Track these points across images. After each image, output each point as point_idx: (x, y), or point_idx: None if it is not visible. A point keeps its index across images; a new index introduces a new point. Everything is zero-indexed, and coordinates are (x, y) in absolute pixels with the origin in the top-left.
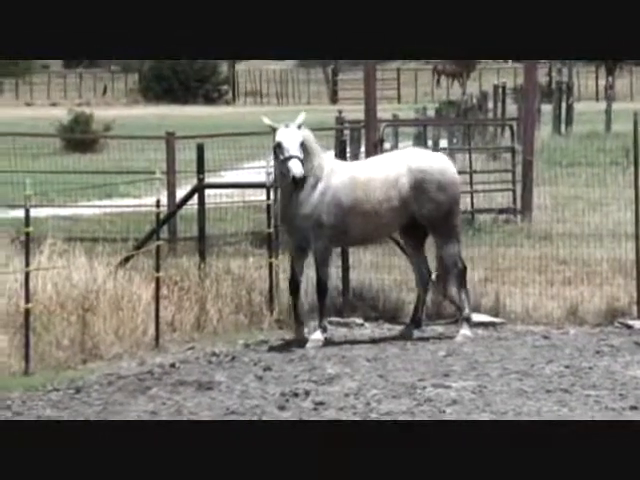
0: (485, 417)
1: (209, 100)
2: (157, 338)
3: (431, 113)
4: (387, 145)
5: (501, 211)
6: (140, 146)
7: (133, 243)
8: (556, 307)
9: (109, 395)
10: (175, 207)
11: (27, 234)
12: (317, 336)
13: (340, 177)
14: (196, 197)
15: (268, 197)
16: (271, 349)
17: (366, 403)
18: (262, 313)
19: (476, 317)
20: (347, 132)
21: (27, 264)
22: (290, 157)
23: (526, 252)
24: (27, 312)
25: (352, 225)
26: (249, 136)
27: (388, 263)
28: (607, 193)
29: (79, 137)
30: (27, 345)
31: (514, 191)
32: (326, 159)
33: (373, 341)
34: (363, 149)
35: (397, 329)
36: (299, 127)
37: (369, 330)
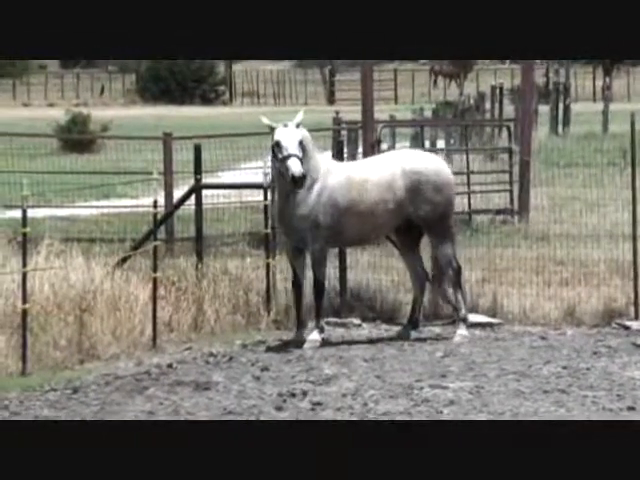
0: (482, 418)
1: (206, 101)
2: (154, 338)
3: (428, 114)
4: (384, 146)
5: (498, 212)
6: (137, 147)
7: (130, 244)
8: (553, 308)
9: (106, 395)
10: (172, 208)
11: (24, 234)
12: (314, 336)
13: (336, 177)
14: (193, 198)
15: (265, 198)
16: (268, 349)
17: (363, 404)
18: (259, 313)
19: (473, 318)
20: (344, 133)
21: (24, 264)
22: (289, 156)
23: (523, 253)
24: (24, 312)
25: (348, 226)
26: (246, 137)
27: (385, 264)
28: (604, 194)
29: (76, 137)
30: (24, 345)
31: (511, 192)
32: (322, 160)
33: (370, 342)
34: (360, 150)
35: (394, 330)
36: (298, 126)
37: (366, 331)
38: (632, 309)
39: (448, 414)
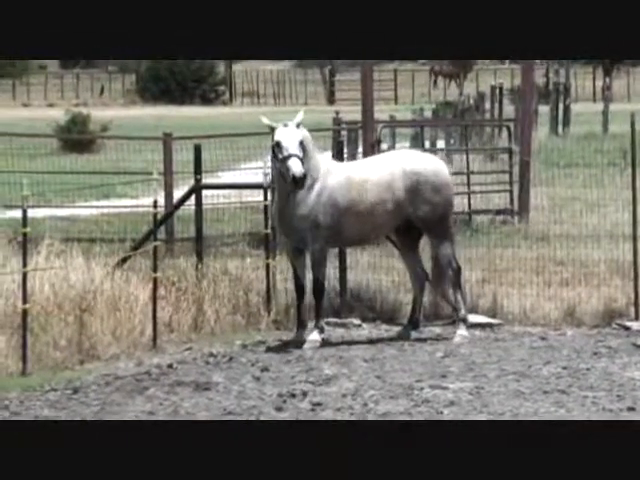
0: (482, 418)
1: (206, 101)
2: (154, 339)
3: (428, 114)
4: (384, 146)
5: (498, 212)
6: (137, 147)
7: (130, 244)
8: (553, 308)
9: (106, 395)
10: (172, 208)
11: (24, 234)
12: (314, 337)
13: (336, 177)
14: (193, 198)
15: (265, 198)
16: (268, 350)
17: (363, 404)
18: (259, 314)
19: (473, 318)
20: (344, 133)
21: (24, 264)
22: (290, 156)
23: (523, 253)
24: (24, 313)
25: (348, 225)
26: (246, 137)
27: (386, 264)
28: (604, 194)
29: (76, 138)
30: (24, 345)
31: (511, 192)
32: (322, 160)
33: (370, 342)
34: (360, 150)
35: (394, 330)
36: (298, 126)
37: (366, 331)
38: (632, 309)
39: (448, 415)
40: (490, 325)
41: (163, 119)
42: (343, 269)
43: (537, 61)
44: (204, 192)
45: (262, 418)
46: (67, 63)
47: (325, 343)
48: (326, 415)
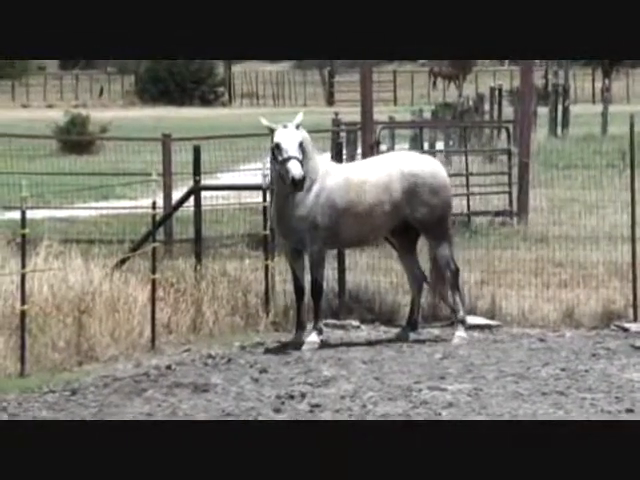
0: (481, 419)
1: (205, 102)
2: (153, 340)
3: (427, 115)
4: (383, 147)
5: (497, 213)
6: (136, 148)
7: (129, 245)
8: (552, 310)
9: (105, 397)
10: (171, 209)
11: (23, 236)
12: (313, 338)
13: (335, 179)
14: (192, 199)
15: (264, 199)
16: (267, 351)
17: (362, 405)
18: (258, 315)
19: (472, 320)
20: (343, 134)
21: (23, 266)
22: (289, 158)
23: (522, 255)
24: (23, 314)
25: (346, 227)
26: (245, 138)
27: (384, 265)
28: (603, 196)
29: (75, 139)
30: (23, 347)
31: (510, 193)
32: (321, 161)
33: (369, 343)
34: (359, 151)
35: (393, 331)
36: (297, 127)
37: (365, 332)
38: (631, 311)
39: (447, 416)
40: (489, 327)
41: (162, 120)
42: (342, 270)
43: (536, 63)
44: (203, 193)
45: (260, 419)
46: (66, 64)
47: (324, 344)
48: (325, 417)
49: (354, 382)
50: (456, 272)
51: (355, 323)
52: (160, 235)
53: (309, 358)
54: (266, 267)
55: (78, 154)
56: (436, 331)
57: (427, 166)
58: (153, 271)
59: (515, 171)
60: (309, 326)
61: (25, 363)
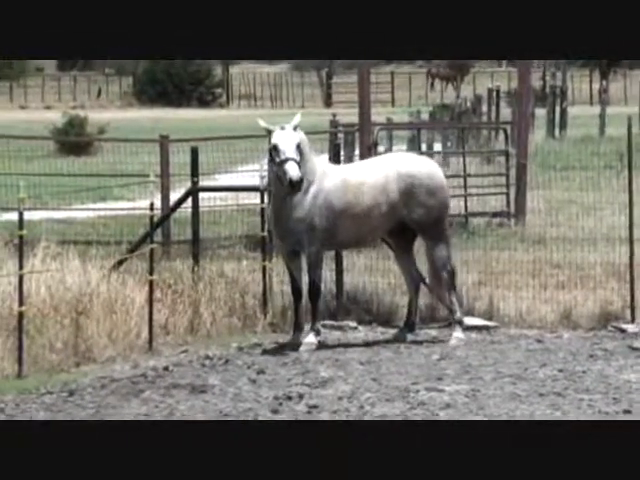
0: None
1: (203, 103)
2: (150, 341)
3: (425, 116)
4: (381, 148)
5: (495, 215)
6: (134, 149)
7: (127, 246)
8: (550, 311)
9: (102, 398)
10: (169, 210)
11: (21, 237)
12: (310, 339)
13: (332, 180)
14: (190, 200)
15: (262, 200)
16: (264, 352)
17: (360, 406)
18: (256, 316)
19: (470, 321)
20: (341, 135)
21: (21, 267)
22: (287, 159)
23: (520, 256)
24: (20, 315)
25: (343, 228)
26: (243, 139)
27: (382, 266)
28: (601, 197)
29: (73, 140)
30: (20, 348)
31: (508, 195)
32: (318, 162)
33: (367, 344)
34: (357, 152)
35: (391, 332)
36: (295, 128)
37: (363, 333)
38: (628, 312)
39: (444, 417)
40: (486, 328)
41: (160, 121)
42: (339, 272)
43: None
44: (201, 195)
45: (258, 420)
46: (64, 65)
47: (321, 346)
48: (322, 418)
49: (352, 383)
50: (453, 273)
51: (353, 324)
52: (158, 236)
53: (307, 359)
54: (264, 268)
55: (76, 155)
56: (433, 332)
57: (424, 167)
58: (151, 272)
59: (513, 172)
60: (307, 327)
61: (22, 364)
